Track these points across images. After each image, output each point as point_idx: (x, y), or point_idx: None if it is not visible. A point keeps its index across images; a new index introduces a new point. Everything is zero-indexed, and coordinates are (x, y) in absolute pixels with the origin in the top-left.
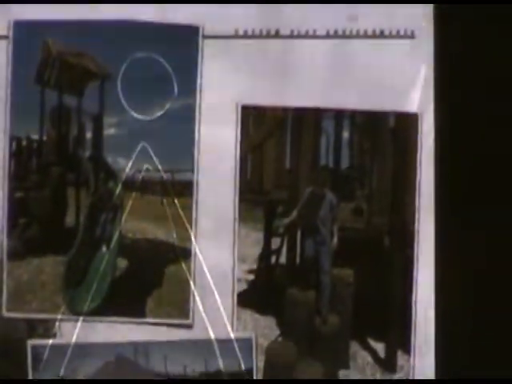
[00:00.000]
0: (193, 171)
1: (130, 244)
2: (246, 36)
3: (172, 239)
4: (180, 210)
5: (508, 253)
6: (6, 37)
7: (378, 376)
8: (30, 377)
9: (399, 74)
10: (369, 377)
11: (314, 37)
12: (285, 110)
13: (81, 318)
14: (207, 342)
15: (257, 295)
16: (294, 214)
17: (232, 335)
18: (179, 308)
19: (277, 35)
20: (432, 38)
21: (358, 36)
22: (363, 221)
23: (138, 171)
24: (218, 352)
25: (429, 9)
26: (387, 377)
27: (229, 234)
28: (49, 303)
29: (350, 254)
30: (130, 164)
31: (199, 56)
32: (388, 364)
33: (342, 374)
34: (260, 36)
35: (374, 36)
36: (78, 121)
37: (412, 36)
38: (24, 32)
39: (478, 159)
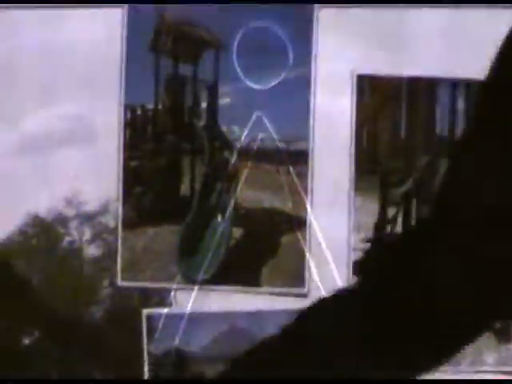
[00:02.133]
0: (308, 140)
1: (245, 213)
2: (361, 5)
3: (287, 208)
4: (295, 179)
5: None
6: (121, 6)
7: None
8: (145, 346)
9: None
10: None
11: (430, 5)
12: (400, 79)
13: (196, 288)
14: None
15: (371, 264)
16: (410, 182)
17: None
18: (294, 277)
19: (392, 4)
20: None
21: (473, 5)
22: None
23: (253, 140)
24: None
25: None
26: None
27: (344, 203)
28: (164, 272)
29: None
30: (245, 133)
31: (315, 25)
32: None
33: None
34: (376, 5)
35: (489, 5)
36: (193, 90)
37: None
38: (139, 1)
39: None
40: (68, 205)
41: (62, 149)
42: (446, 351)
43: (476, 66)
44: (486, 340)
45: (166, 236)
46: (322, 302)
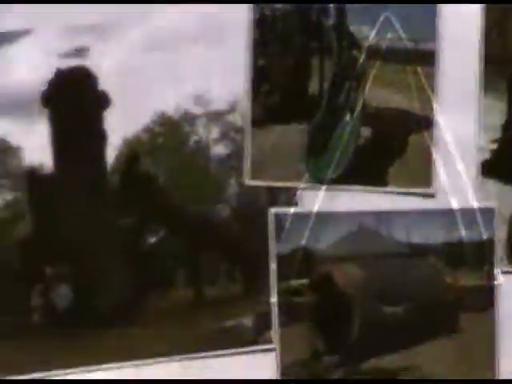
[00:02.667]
0: (436, 40)
1: (373, 112)
2: None
3: (415, 108)
4: (423, 79)
5: None
6: None
7: None
8: (272, 246)
9: None
10: None
11: None
12: None
13: (323, 187)
14: (449, 212)
15: (500, 164)
16: None
17: (475, 204)
18: (422, 177)
19: None
20: None
21: None
22: None
23: (382, 39)
24: (460, 221)
25: None
26: None
27: (472, 103)
28: (291, 171)
29: None
30: (373, 33)
31: None
32: None
33: None
34: None
35: None
36: None
37: None
38: None
39: None
40: (196, 103)
41: (190, 46)
42: None
43: None
44: None
45: (294, 135)
46: None
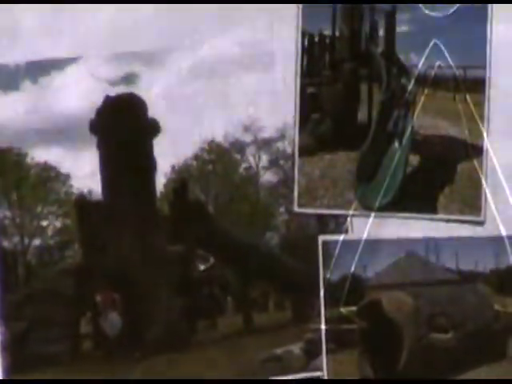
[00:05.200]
0: (485, 68)
1: (422, 140)
2: None
3: (464, 136)
4: (472, 107)
5: None
6: None
7: None
8: (321, 273)
9: None
10: None
11: None
12: None
13: (372, 214)
14: (498, 239)
15: None
16: None
17: None
18: (471, 205)
19: None
20: None
21: None
22: None
23: (431, 67)
24: (509, 248)
25: None
26: None
27: None
28: (340, 199)
29: None
30: (422, 60)
31: None
32: None
33: None
34: None
35: None
36: (371, 17)
37: None
38: None
39: None
40: (245, 131)
41: (240, 74)
42: None
43: None
44: None
45: (342, 162)
46: None
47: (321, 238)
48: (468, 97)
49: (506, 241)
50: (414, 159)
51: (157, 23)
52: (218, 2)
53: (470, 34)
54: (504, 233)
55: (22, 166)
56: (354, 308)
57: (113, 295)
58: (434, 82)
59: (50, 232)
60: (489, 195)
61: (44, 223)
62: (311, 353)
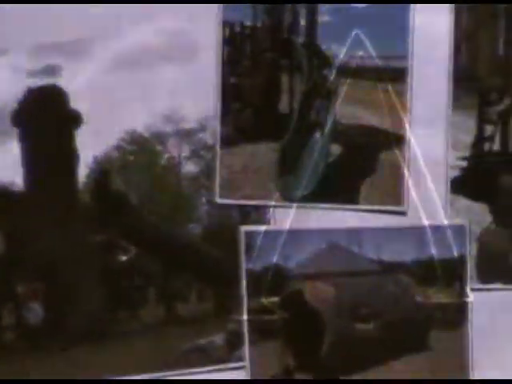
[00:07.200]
0: (407, 58)
1: (343, 130)
2: None
3: (386, 125)
4: (394, 97)
5: None
6: None
7: None
8: (243, 264)
9: None
10: None
11: None
12: None
13: (294, 205)
14: (420, 229)
15: (470, 182)
16: (508, 101)
17: (445, 222)
18: (393, 195)
19: None
20: None
21: None
22: None
23: (352, 58)
24: (430, 239)
25: None
26: None
27: (442, 121)
28: (262, 190)
29: None
30: (343, 50)
31: None
32: None
33: None
34: None
35: None
36: (292, 7)
37: None
38: None
39: None
40: (167, 121)
41: (162, 64)
42: None
43: None
44: None
45: (264, 153)
46: None
47: (243, 229)
48: (390, 87)
49: (429, 230)
50: (336, 149)
51: (79, 13)
52: None
53: (392, 23)
54: (426, 223)
55: None
56: (276, 298)
57: (35, 286)
58: (356, 72)
59: None
60: (411, 185)
61: None
62: (234, 343)
